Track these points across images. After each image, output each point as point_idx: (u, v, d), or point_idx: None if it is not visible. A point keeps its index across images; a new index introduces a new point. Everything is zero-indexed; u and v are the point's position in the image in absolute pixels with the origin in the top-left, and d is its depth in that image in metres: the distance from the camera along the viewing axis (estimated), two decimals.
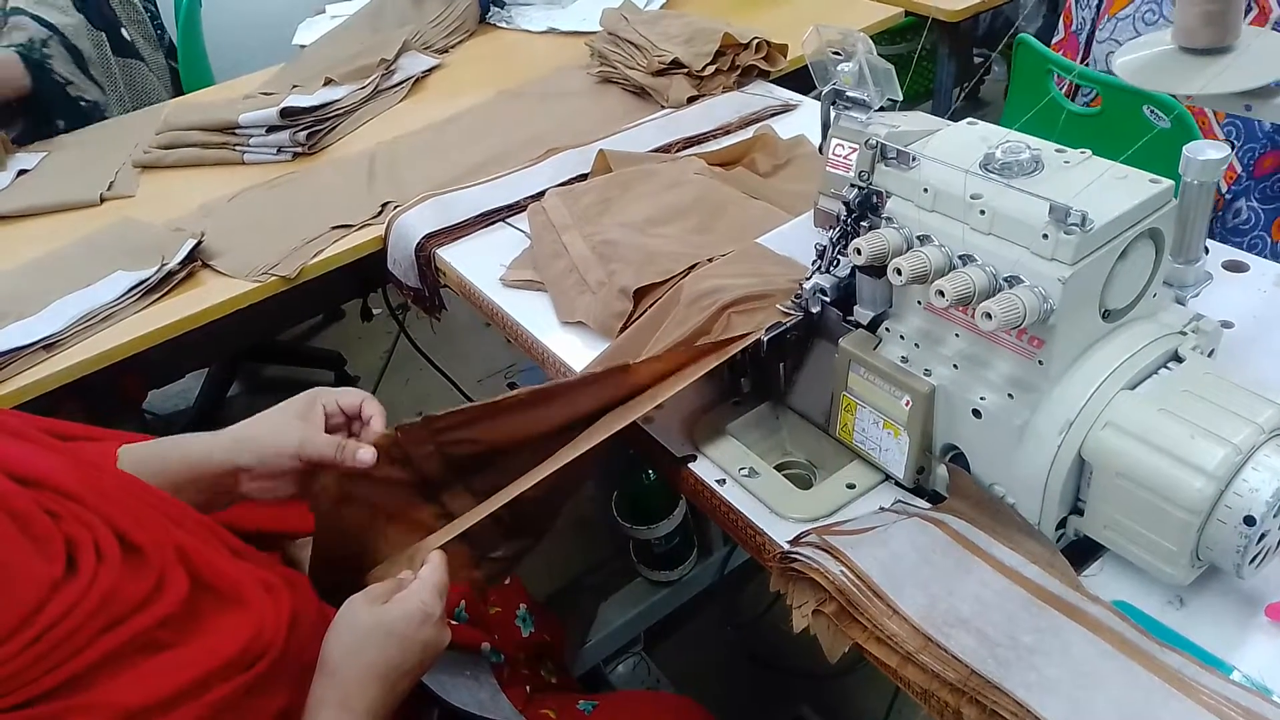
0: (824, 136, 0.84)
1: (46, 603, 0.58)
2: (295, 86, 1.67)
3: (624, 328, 0.96)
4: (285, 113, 1.52)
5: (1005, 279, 0.63)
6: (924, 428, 0.72)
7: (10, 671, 0.56)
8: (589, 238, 1.09)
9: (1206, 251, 0.77)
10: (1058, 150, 0.67)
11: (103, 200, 1.49)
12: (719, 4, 1.86)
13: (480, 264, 1.16)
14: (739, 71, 1.49)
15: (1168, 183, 0.64)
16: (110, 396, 1.23)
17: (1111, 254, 0.62)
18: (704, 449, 0.84)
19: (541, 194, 1.23)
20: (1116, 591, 0.66)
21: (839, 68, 0.79)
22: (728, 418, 0.86)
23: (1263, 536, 0.58)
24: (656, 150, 1.33)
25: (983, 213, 0.64)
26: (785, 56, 1.53)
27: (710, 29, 1.51)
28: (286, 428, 0.81)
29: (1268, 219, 1.41)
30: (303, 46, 1.96)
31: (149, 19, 2.02)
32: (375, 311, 1.98)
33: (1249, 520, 0.57)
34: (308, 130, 1.53)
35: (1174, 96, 1.26)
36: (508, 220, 1.25)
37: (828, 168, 0.81)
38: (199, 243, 1.26)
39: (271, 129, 1.52)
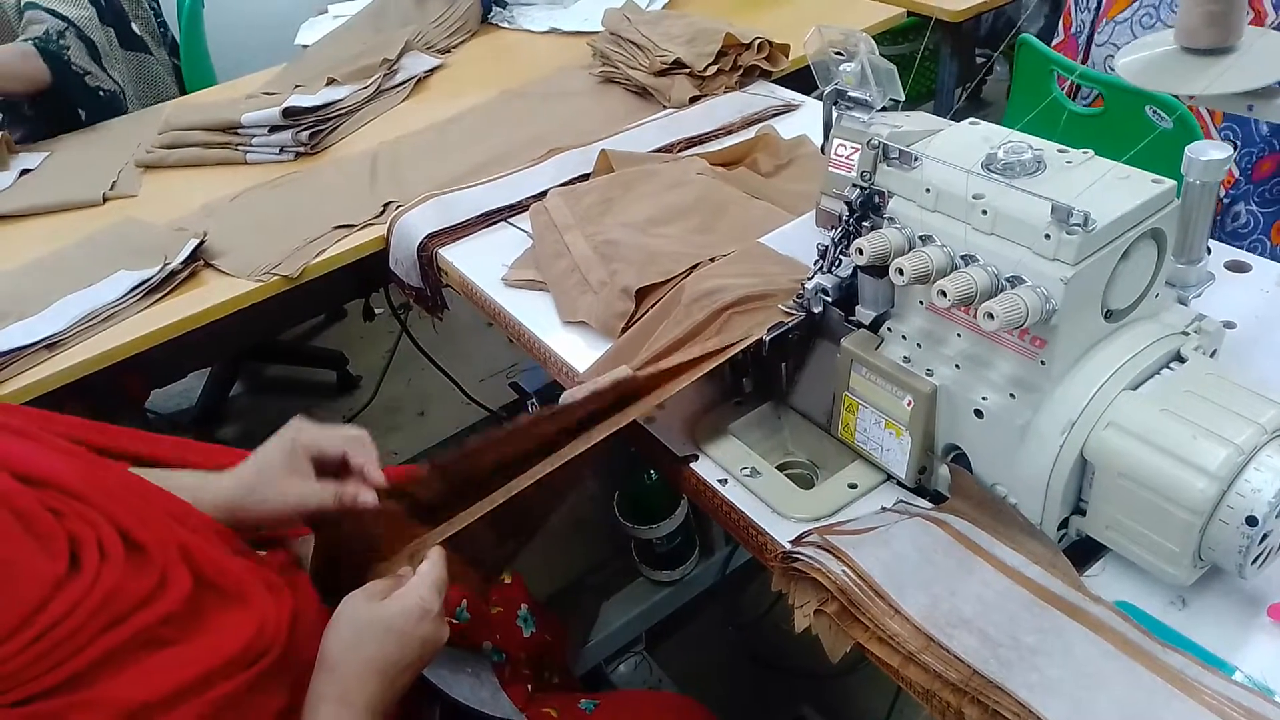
0: (826, 136, 0.84)
1: (49, 600, 0.58)
2: (298, 86, 1.67)
3: (626, 327, 0.96)
4: (288, 112, 1.52)
5: (1007, 279, 0.63)
6: (926, 428, 0.72)
7: (12, 669, 0.56)
8: (591, 237, 1.09)
9: (1209, 252, 0.77)
10: (1060, 150, 0.67)
11: (105, 200, 1.49)
12: (721, 4, 1.86)
13: (482, 264, 1.16)
14: (741, 72, 1.49)
15: (1170, 183, 0.64)
16: (112, 396, 1.23)
17: (1114, 254, 0.62)
18: (706, 449, 0.84)
19: (543, 194, 1.23)
20: (1118, 592, 0.66)
21: (841, 68, 0.79)
22: (730, 417, 0.86)
23: (1265, 537, 0.58)
24: (658, 150, 1.33)
25: (985, 213, 0.64)
26: (787, 56, 1.53)
27: (712, 29, 1.51)
28: (276, 489, 0.79)
29: (1267, 222, 1.41)
30: (305, 46, 1.96)
31: (152, 16, 2.02)
32: (377, 311, 1.99)
33: (1251, 520, 0.57)
34: (310, 130, 1.54)
35: (1176, 97, 1.26)
36: (510, 220, 1.25)
37: (830, 168, 0.81)
38: (201, 242, 1.26)
39: (274, 129, 1.53)
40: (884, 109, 0.78)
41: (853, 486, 0.78)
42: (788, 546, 0.72)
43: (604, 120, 1.45)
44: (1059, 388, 0.64)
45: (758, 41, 1.49)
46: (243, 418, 2.44)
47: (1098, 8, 1.52)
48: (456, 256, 1.19)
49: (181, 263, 1.23)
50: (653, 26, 1.57)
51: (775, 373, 0.85)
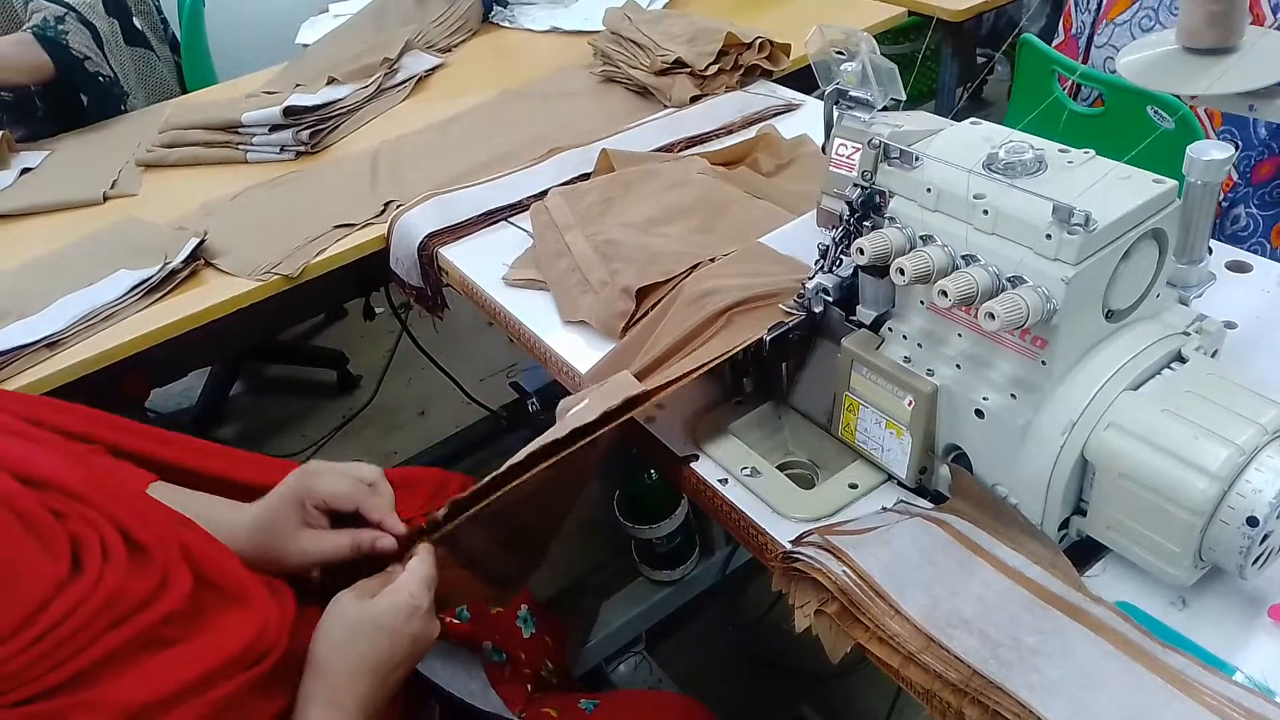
0: (827, 136, 0.84)
1: (51, 601, 0.58)
2: (298, 85, 1.67)
3: (626, 327, 0.96)
4: (288, 112, 1.52)
5: (1008, 279, 0.63)
6: (926, 428, 0.72)
7: (13, 669, 0.56)
8: (591, 237, 1.09)
9: (1210, 252, 0.77)
10: (1061, 150, 0.67)
11: (105, 199, 1.49)
12: (722, 3, 1.86)
13: (483, 263, 1.16)
14: (742, 71, 1.49)
15: (1171, 183, 0.64)
16: (113, 395, 1.23)
17: (1115, 254, 0.62)
18: (706, 448, 0.84)
19: (544, 193, 1.23)
20: (1119, 592, 0.66)
21: (842, 67, 0.79)
22: (730, 417, 0.86)
23: (1266, 537, 0.58)
24: (659, 150, 1.33)
25: (986, 213, 0.64)
26: (788, 56, 1.53)
27: (713, 28, 1.51)
28: (293, 548, 0.77)
29: (1266, 225, 1.41)
30: (306, 45, 1.96)
31: (155, 12, 2.02)
32: (378, 310, 1.98)
33: (1252, 521, 0.57)
34: (310, 129, 1.53)
35: (1177, 97, 1.26)
36: (510, 220, 1.25)
37: (830, 167, 0.81)
38: (202, 242, 1.26)
39: (274, 128, 1.52)
40: (885, 109, 0.78)
41: (853, 486, 0.77)
42: (788, 546, 0.71)
43: (605, 120, 1.45)
44: (1060, 388, 0.64)
45: (759, 41, 1.49)
46: (243, 417, 2.44)
47: (1097, 9, 1.53)
48: (457, 256, 1.19)
49: (182, 262, 1.23)
50: (654, 26, 1.57)
51: (776, 372, 0.85)
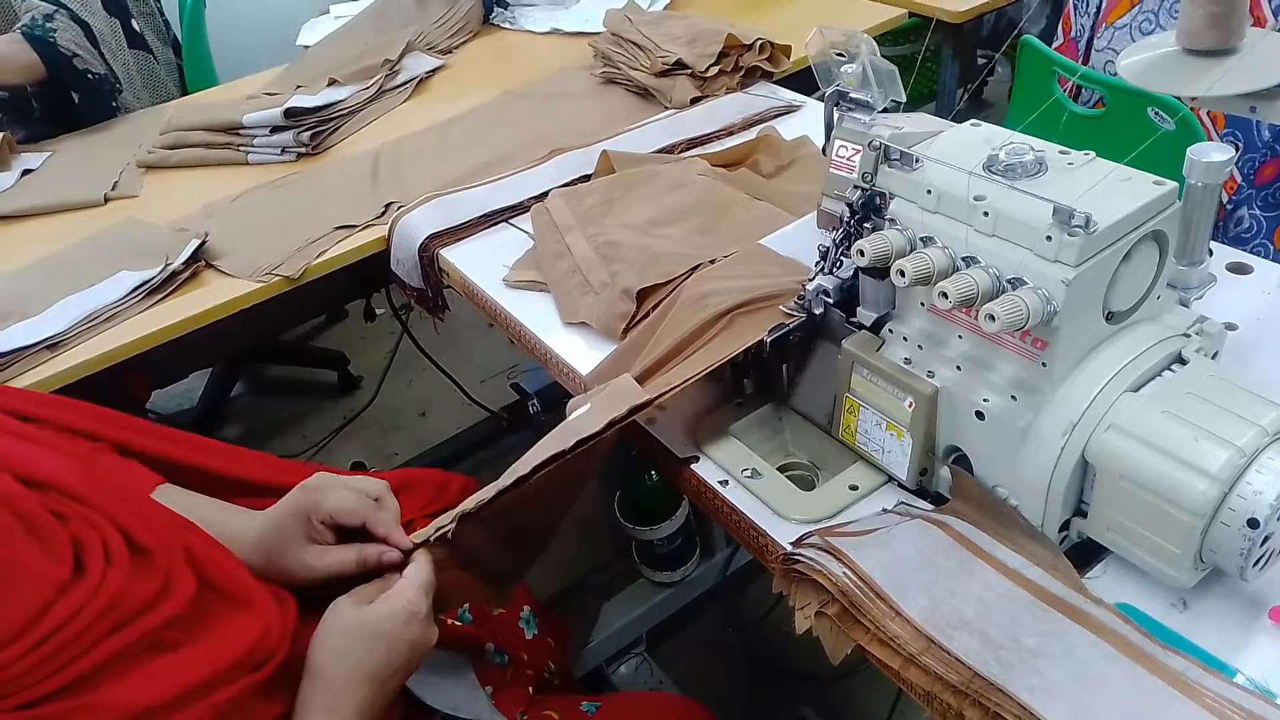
0: (827, 138, 0.84)
1: (53, 604, 0.58)
2: (299, 87, 1.67)
3: (627, 329, 0.96)
4: (289, 113, 1.52)
5: (1009, 281, 0.63)
6: (927, 429, 0.72)
7: (15, 673, 0.56)
8: (592, 238, 1.09)
9: (1210, 254, 0.77)
10: (1061, 152, 0.67)
11: (107, 200, 1.49)
12: (723, 5, 1.86)
13: (483, 264, 1.16)
14: (742, 72, 1.49)
15: (1172, 185, 0.64)
16: (114, 396, 1.23)
17: (1115, 256, 0.62)
18: (706, 450, 0.84)
19: (545, 195, 1.23)
20: (1120, 594, 0.66)
21: (842, 69, 0.79)
22: (730, 419, 0.86)
23: (1266, 539, 0.58)
24: (660, 151, 1.33)
25: (986, 214, 0.64)
26: (789, 58, 1.53)
27: (714, 30, 1.51)
28: (299, 563, 0.77)
29: (1270, 226, 1.41)
30: (306, 47, 1.96)
31: (157, 14, 2.02)
32: (379, 312, 1.99)
33: (1252, 523, 0.57)
34: (311, 131, 1.53)
35: (1178, 99, 1.26)
36: (511, 221, 1.25)
37: (831, 169, 0.81)
38: (203, 243, 1.26)
39: (275, 129, 1.53)
40: (885, 110, 0.78)
41: (854, 488, 0.77)
42: (788, 548, 0.71)
43: (605, 121, 1.45)
44: (1060, 389, 0.64)
45: (759, 42, 1.49)
46: (244, 418, 2.44)
47: (1097, 13, 1.52)
48: (458, 257, 1.19)
49: (183, 263, 1.23)
50: (654, 27, 1.57)
51: (776, 374, 0.85)
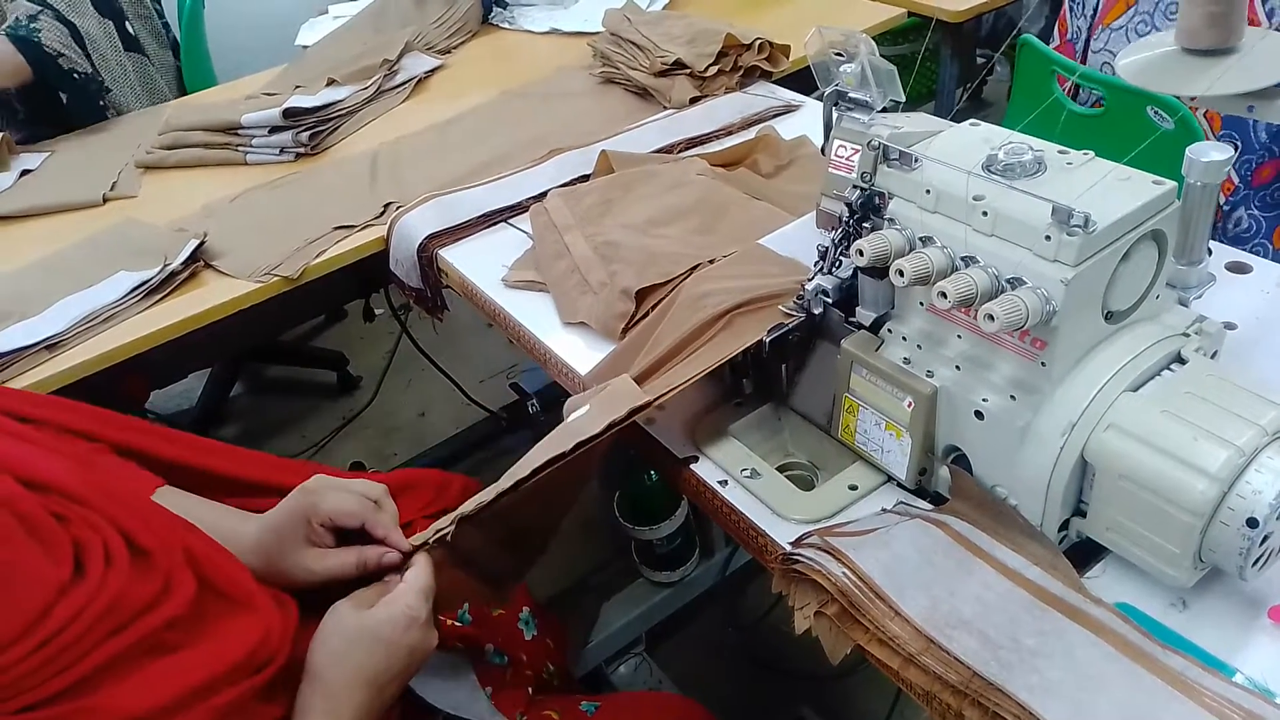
0: (826, 137, 0.84)
1: (53, 606, 0.58)
2: (298, 87, 1.67)
3: (626, 329, 0.96)
4: (288, 113, 1.52)
5: (1008, 280, 0.63)
6: (926, 429, 0.72)
7: (15, 676, 0.56)
8: (591, 238, 1.09)
9: (1209, 253, 0.77)
10: (1060, 152, 0.67)
11: (105, 201, 1.49)
12: (722, 5, 1.86)
13: (482, 264, 1.16)
14: (741, 72, 1.49)
15: (1171, 184, 0.64)
16: (113, 397, 1.23)
17: (1114, 255, 0.62)
18: (706, 450, 0.84)
19: (544, 195, 1.23)
20: (1119, 594, 0.66)
21: (841, 69, 0.79)
22: (730, 419, 0.86)
23: (1266, 538, 0.58)
24: (659, 151, 1.33)
25: (985, 214, 0.64)
26: (788, 57, 1.53)
27: (713, 30, 1.51)
28: (299, 566, 0.77)
29: (1268, 226, 1.41)
30: (305, 47, 1.96)
31: (155, 15, 2.02)
32: (378, 312, 1.99)
33: (1252, 522, 0.57)
34: (310, 131, 1.53)
35: (1177, 98, 1.26)
36: (510, 221, 1.25)
37: (830, 169, 0.81)
38: (201, 243, 1.26)
39: (274, 129, 1.52)
40: (884, 110, 0.78)
41: (853, 488, 0.77)
42: (788, 548, 0.71)
43: (604, 121, 1.45)
44: (1059, 389, 0.64)
45: (758, 42, 1.49)
46: (243, 418, 2.44)
47: (1093, 14, 1.52)
48: (456, 257, 1.19)
49: (182, 263, 1.23)
50: (653, 27, 1.57)
51: (775, 374, 0.85)
